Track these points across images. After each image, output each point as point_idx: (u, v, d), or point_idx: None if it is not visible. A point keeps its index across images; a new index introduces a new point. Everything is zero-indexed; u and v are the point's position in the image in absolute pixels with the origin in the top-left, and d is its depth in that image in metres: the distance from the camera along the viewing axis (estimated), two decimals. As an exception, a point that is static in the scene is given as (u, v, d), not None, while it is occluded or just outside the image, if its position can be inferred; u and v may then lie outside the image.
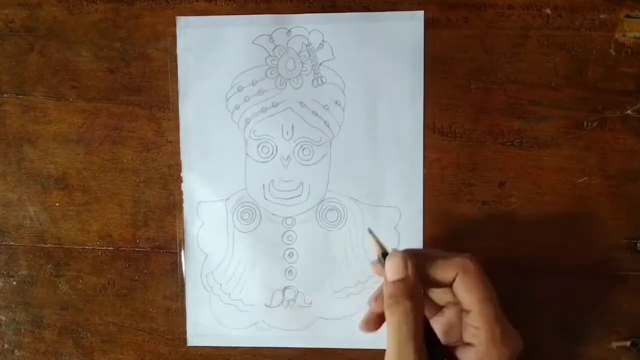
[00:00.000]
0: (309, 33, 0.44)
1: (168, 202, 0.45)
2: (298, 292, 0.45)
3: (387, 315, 0.35)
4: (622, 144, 0.42)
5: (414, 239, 0.44)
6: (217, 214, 0.45)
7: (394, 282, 0.35)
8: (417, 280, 0.35)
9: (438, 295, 0.38)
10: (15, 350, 0.48)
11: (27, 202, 0.47)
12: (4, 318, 0.48)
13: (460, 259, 0.35)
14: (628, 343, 0.43)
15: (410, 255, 0.35)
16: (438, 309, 0.39)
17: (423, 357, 0.33)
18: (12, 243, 0.47)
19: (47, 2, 0.45)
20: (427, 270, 0.35)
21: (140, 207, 0.46)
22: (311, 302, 0.45)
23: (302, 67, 0.44)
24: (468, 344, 0.35)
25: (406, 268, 0.35)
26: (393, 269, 0.35)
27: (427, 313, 0.38)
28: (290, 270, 0.45)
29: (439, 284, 0.35)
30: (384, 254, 0.36)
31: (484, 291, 0.34)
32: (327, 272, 0.45)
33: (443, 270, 0.35)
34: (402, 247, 0.43)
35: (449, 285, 0.35)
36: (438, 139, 0.43)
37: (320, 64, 0.44)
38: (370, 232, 0.37)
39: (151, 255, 0.46)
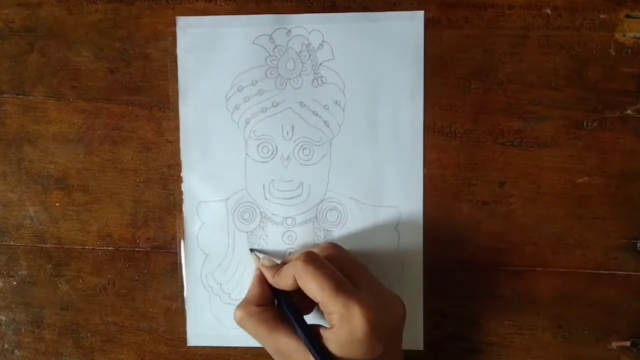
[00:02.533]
0: (309, 33, 0.44)
1: (168, 202, 0.45)
2: (298, 292, 0.45)
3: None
4: (622, 144, 0.42)
5: (414, 239, 0.44)
6: (217, 214, 0.45)
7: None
8: (266, 292, 0.40)
9: None
10: (15, 350, 0.48)
11: (27, 202, 0.47)
12: (4, 318, 0.48)
13: (293, 261, 0.38)
14: (628, 343, 0.43)
15: (266, 269, 0.41)
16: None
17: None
18: (12, 243, 0.47)
19: (47, 2, 0.45)
20: (275, 279, 0.39)
21: (140, 207, 0.46)
22: (311, 302, 0.45)
23: (302, 67, 0.44)
24: (330, 328, 0.37)
25: (259, 284, 0.41)
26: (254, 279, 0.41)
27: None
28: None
29: (290, 288, 0.38)
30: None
31: (316, 281, 0.36)
32: (327, 272, 0.44)
33: (285, 277, 0.38)
34: (401, 247, 0.44)
35: (297, 286, 0.38)
36: (438, 139, 0.43)
37: (320, 64, 0.44)
38: (252, 250, 0.44)
39: (151, 255, 0.46)
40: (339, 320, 0.35)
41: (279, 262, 0.42)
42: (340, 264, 0.38)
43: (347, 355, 0.35)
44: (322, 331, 0.37)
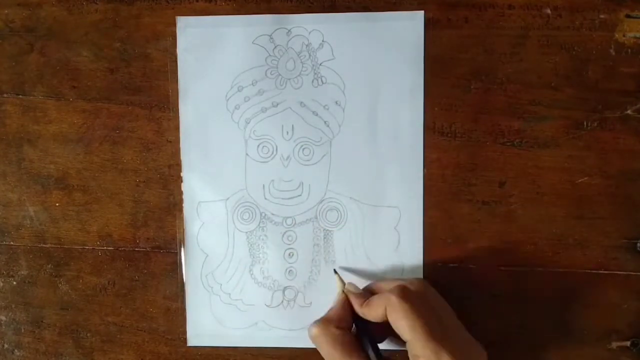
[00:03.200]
0: (309, 33, 0.44)
1: (168, 202, 0.45)
2: (298, 292, 0.45)
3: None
4: (622, 144, 0.42)
5: (414, 239, 0.44)
6: (217, 214, 0.45)
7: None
8: (347, 316, 0.40)
9: None
10: (15, 350, 0.48)
11: (27, 202, 0.47)
12: (4, 318, 0.48)
13: (386, 294, 0.37)
14: (628, 343, 0.43)
15: (353, 296, 0.40)
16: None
17: None
18: (12, 243, 0.47)
19: (47, 2, 0.45)
20: (362, 310, 0.39)
21: (140, 207, 0.46)
22: (311, 302, 0.45)
23: (302, 67, 0.44)
24: None
25: (342, 308, 0.40)
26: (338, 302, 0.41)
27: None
28: (290, 270, 0.45)
29: (378, 320, 0.38)
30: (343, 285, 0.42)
31: (408, 319, 0.36)
32: (327, 273, 0.45)
33: (375, 309, 0.38)
34: (401, 247, 0.44)
35: (386, 320, 0.37)
36: (438, 139, 0.43)
37: (320, 64, 0.44)
38: (335, 272, 0.43)
39: (151, 255, 0.46)
40: None
41: (360, 288, 0.42)
42: (428, 303, 0.38)
43: None
44: None
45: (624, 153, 0.42)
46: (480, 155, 0.43)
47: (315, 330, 0.39)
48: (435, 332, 0.35)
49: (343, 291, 0.41)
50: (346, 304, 0.40)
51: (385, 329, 0.38)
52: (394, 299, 0.36)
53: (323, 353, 0.39)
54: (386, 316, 0.37)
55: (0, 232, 0.47)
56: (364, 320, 0.39)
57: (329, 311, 0.41)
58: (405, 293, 0.37)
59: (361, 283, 0.42)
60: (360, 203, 0.44)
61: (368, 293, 0.40)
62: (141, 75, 0.45)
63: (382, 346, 0.40)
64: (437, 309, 0.38)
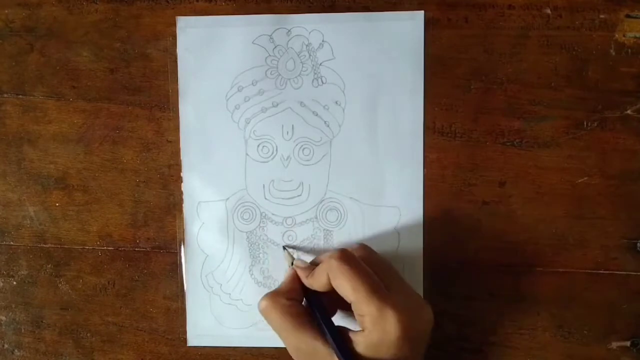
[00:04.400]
0: (309, 33, 0.44)
1: (168, 202, 0.45)
2: (298, 292, 0.45)
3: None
4: (622, 144, 0.42)
5: (414, 239, 0.44)
6: (217, 214, 0.45)
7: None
8: (297, 289, 0.40)
9: None
10: (15, 350, 0.48)
11: (27, 202, 0.47)
12: (4, 318, 0.48)
13: (326, 260, 0.37)
14: (628, 343, 0.43)
15: (300, 269, 0.40)
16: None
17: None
18: (12, 243, 0.47)
19: (47, 2, 0.45)
20: (308, 280, 0.39)
21: (140, 207, 0.46)
22: (311, 302, 0.45)
23: (302, 67, 0.44)
24: (361, 330, 0.36)
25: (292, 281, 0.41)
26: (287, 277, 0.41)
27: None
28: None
29: (324, 288, 0.38)
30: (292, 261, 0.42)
31: (350, 281, 0.36)
32: (327, 272, 0.45)
33: (319, 277, 0.38)
34: (401, 247, 0.44)
35: (332, 287, 0.38)
36: (438, 139, 0.43)
37: (320, 64, 0.44)
38: (284, 248, 0.44)
39: (151, 255, 0.46)
40: (372, 322, 0.35)
41: (308, 262, 0.42)
42: (371, 266, 0.38)
43: (375, 356, 0.35)
44: (350, 334, 0.37)
45: (624, 153, 0.42)
46: (480, 155, 0.43)
47: (264, 302, 0.39)
48: (378, 290, 0.36)
49: (292, 266, 0.41)
50: (295, 277, 0.40)
51: (334, 301, 0.38)
52: (334, 263, 0.37)
53: (274, 325, 0.39)
54: (330, 284, 0.37)
55: (0, 232, 0.47)
56: (314, 293, 0.39)
57: (279, 285, 0.41)
58: (345, 255, 0.37)
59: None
60: (360, 203, 0.44)
61: (315, 265, 0.40)
62: (141, 75, 0.45)
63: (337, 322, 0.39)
64: (380, 269, 0.38)
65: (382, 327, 0.35)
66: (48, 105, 0.46)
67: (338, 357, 0.36)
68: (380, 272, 0.38)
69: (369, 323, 0.35)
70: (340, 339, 0.36)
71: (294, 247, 0.44)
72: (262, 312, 0.39)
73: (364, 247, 0.41)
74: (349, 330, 0.37)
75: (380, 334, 0.35)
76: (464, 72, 0.43)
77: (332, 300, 0.39)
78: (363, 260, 0.38)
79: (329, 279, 0.37)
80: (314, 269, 0.39)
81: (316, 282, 0.38)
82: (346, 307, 0.38)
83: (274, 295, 0.39)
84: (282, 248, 0.44)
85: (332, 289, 0.37)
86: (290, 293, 0.40)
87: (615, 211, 0.43)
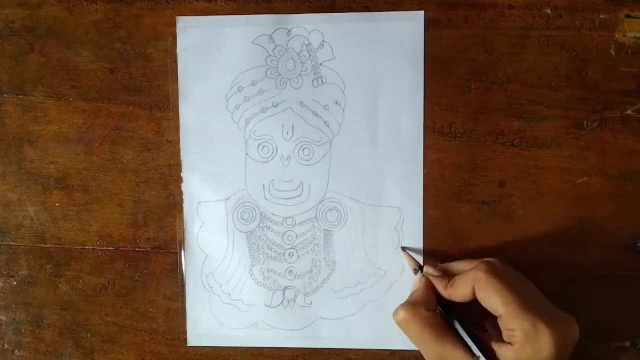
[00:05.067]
0: (309, 33, 0.44)
1: (168, 202, 0.45)
2: (298, 292, 0.45)
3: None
4: (622, 144, 0.42)
5: (414, 239, 0.44)
6: (217, 214, 0.45)
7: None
8: (432, 298, 0.40)
9: None
10: (15, 350, 0.48)
11: (27, 202, 0.47)
12: (4, 318, 0.48)
13: (472, 272, 0.37)
14: (628, 343, 0.43)
15: (435, 278, 0.40)
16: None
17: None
18: (12, 243, 0.47)
19: (47, 2, 0.45)
20: (448, 291, 0.39)
21: (140, 207, 0.46)
22: (311, 302, 0.45)
23: (302, 67, 0.44)
24: (509, 343, 0.36)
25: (427, 290, 0.40)
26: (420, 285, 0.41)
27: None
28: (290, 270, 0.45)
29: (465, 299, 0.38)
30: (419, 267, 0.42)
31: (500, 294, 0.35)
32: (327, 272, 0.45)
33: (462, 288, 0.37)
34: (404, 246, 0.44)
35: (474, 297, 0.37)
36: (438, 139, 0.43)
37: (320, 64, 0.44)
38: (404, 249, 0.43)
39: (151, 255, 0.46)
40: (524, 337, 0.34)
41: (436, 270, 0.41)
42: (515, 277, 0.37)
43: None
44: (495, 346, 0.36)
45: (624, 153, 0.42)
46: (480, 155, 0.43)
47: (403, 314, 0.38)
48: (529, 304, 0.35)
49: (422, 274, 0.41)
50: (429, 286, 0.40)
51: (469, 309, 0.38)
52: (481, 275, 0.36)
53: (412, 336, 0.38)
54: (473, 295, 0.37)
55: (0, 232, 0.47)
56: (449, 301, 0.39)
57: (413, 294, 0.40)
58: (492, 268, 0.36)
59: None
60: (360, 203, 0.44)
61: (446, 274, 0.40)
62: (141, 75, 0.45)
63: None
64: (521, 284, 0.38)
65: (535, 343, 0.34)
66: (48, 105, 0.46)
67: None
68: (524, 286, 0.37)
69: (521, 338, 0.35)
70: (488, 352, 0.36)
71: (410, 249, 0.44)
72: (401, 323, 0.39)
73: (499, 260, 0.39)
74: (494, 342, 0.36)
75: (533, 350, 0.34)
76: (464, 72, 0.43)
77: (468, 311, 0.38)
78: (505, 272, 0.37)
79: (473, 290, 0.37)
80: (448, 278, 0.39)
81: (458, 293, 0.38)
82: (483, 318, 0.38)
83: (413, 306, 0.39)
84: (401, 249, 0.44)
85: (471, 301, 0.37)
86: (428, 304, 0.39)
87: (615, 211, 0.43)
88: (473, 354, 0.36)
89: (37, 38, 0.45)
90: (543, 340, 0.34)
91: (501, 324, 0.36)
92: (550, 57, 0.42)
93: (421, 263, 0.42)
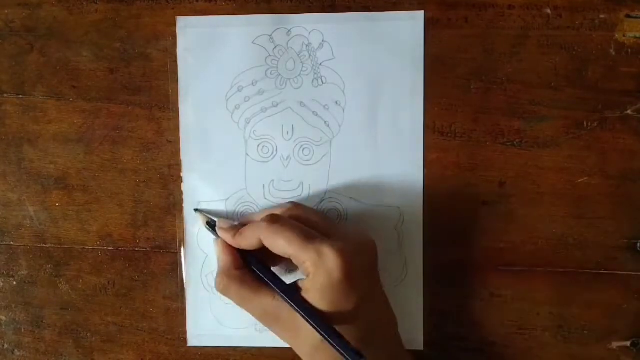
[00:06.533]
0: (309, 33, 0.44)
1: (168, 202, 0.45)
2: (298, 292, 0.45)
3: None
4: (622, 144, 0.42)
5: (414, 239, 0.44)
6: (217, 214, 0.45)
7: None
8: (236, 257, 0.40)
9: None
10: (15, 350, 0.48)
11: (27, 202, 0.47)
12: (4, 318, 0.48)
13: (257, 223, 0.38)
14: (628, 343, 0.43)
15: (223, 231, 0.41)
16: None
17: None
18: (12, 243, 0.47)
19: (47, 2, 0.45)
20: (236, 240, 0.40)
21: (140, 207, 0.46)
22: (311, 302, 0.45)
23: (302, 67, 0.44)
24: (306, 277, 0.37)
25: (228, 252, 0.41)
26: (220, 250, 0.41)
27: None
28: (290, 270, 0.45)
29: (254, 247, 0.39)
30: (210, 224, 0.43)
31: (283, 236, 0.36)
32: (327, 272, 0.44)
33: (249, 238, 0.39)
34: (401, 248, 0.44)
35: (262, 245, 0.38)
36: (438, 139, 0.43)
37: (321, 64, 0.44)
38: (197, 210, 0.45)
39: (151, 255, 0.46)
40: (314, 266, 0.36)
41: (235, 223, 0.42)
42: (305, 221, 0.39)
43: (330, 302, 0.36)
44: (299, 283, 0.37)
45: (624, 153, 0.42)
46: (480, 155, 0.43)
47: (222, 282, 0.39)
48: (312, 235, 0.37)
49: (216, 238, 0.42)
50: (227, 247, 0.41)
51: (270, 258, 0.39)
52: (264, 225, 0.37)
53: (236, 300, 0.39)
54: (260, 244, 0.38)
55: (0, 232, 0.47)
56: (251, 253, 0.40)
57: (219, 260, 0.41)
58: (274, 218, 0.38)
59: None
60: (360, 203, 0.44)
61: (241, 226, 0.41)
62: (141, 75, 0.45)
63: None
64: (316, 221, 0.39)
65: (324, 267, 0.35)
66: (48, 105, 0.46)
67: (294, 308, 0.36)
68: (315, 224, 0.39)
69: (311, 267, 0.36)
70: (292, 291, 0.37)
71: (204, 211, 0.44)
72: (223, 291, 0.40)
73: (294, 204, 0.41)
74: (299, 280, 0.38)
75: (325, 274, 0.35)
76: (464, 72, 0.43)
77: (268, 257, 0.40)
78: (295, 218, 0.39)
79: (259, 240, 0.38)
80: (238, 229, 0.40)
81: (245, 242, 0.39)
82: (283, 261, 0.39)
83: (224, 271, 0.40)
84: (194, 211, 0.45)
85: (261, 246, 0.38)
86: (235, 263, 0.40)
87: (615, 211, 0.43)
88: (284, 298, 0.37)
89: (37, 38, 0.45)
90: (330, 262, 0.35)
91: (296, 264, 0.37)
92: (550, 57, 0.42)
93: (221, 220, 0.43)
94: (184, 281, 0.46)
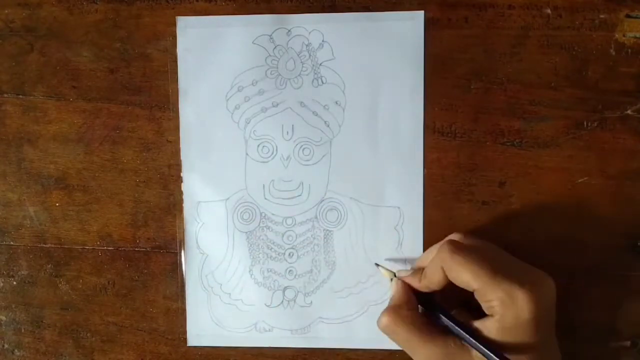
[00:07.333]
0: (309, 33, 0.44)
1: (168, 202, 0.45)
2: (298, 292, 0.45)
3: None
4: (622, 144, 0.42)
5: (414, 239, 0.44)
6: (217, 214, 0.45)
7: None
8: (411, 298, 0.39)
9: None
10: (15, 350, 0.48)
11: (27, 202, 0.47)
12: (4, 318, 0.48)
13: (438, 255, 0.36)
14: (628, 343, 0.43)
15: (408, 277, 0.40)
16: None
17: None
18: (12, 243, 0.47)
19: (47, 2, 0.45)
20: (422, 283, 0.38)
21: (140, 207, 0.46)
22: (311, 302, 0.45)
23: (302, 67, 0.44)
24: (491, 316, 0.35)
25: (404, 292, 0.39)
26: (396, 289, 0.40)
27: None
28: (290, 270, 0.45)
29: (441, 285, 0.37)
30: (393, 275, 0.42)
31: (468, 269, 0.35)
32: (327, 272, 0.45)
33: (433, 275, 0.37)
34: (401, 248, 0.44)
35: (448, 280, 0.37)
36: (438, 139, 0.43)
37: (320, 64, 0.44)
38: (378, 265, 0.43)
39: (151, 255, 0.46)
40: (502, 305, 0.34)
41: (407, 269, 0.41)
42: (480, 248, 0.37)
43: (511, 341, 0.34)
44: (477, 324, 0.36)
45: (624, 153, 0.42)
46: (480, 155, 0.43)
47: (385, 319, 0.38)
48: (500, 271, 0.35)
49: (396, 277, 0.40)
50: (405, 287, 0.39)
51: (449, 300, 0.38)
52: (446, 256, 0.35)
53: (400, 340, 0.38)
54: (447, 279, 0.36)
55: (0, 232, 0.47)
56: (428, 298, 0.38)
57: (391, 299, 0.39)
58: (455, 246, 0.36)
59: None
60: (360, 203, 0.44)
61: (419, 270, 0.39)
62: (141, 75, 0.45)
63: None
64: (490, 252, 0.38)
65: (514, 307, 0.34)
66: (48, 105, 0.46)
67: (481, 351, 0.34)
68: (491, 254, 0.37)
69: (499, 307, 0.34)
70: (474, 334, 0.35)
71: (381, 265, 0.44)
72: (386, 328, 0.38)
73: (465, 234, 0.39)
74: (475, 321, 0.36)
75: (514, 314, 0.34)
76: (464, 72, 0.43)
77: (447, 299, 0.38)
78: (468, 245, 0.37)
79: (444, 273, 0.36)
80: (420, 272, 0.39)
81: (431, 281, 0.37)
82: (462, 302, 0.37)
83: (394, 309, 0.38)
84: (375, 265, 0.44)
85: (447, 286, 0.37)
86: (409, 304, 0.38)
87: (615, 211, 0.43)
88: (462, 341, 0.36)
89: (37, 38, 0.45)
90: (521, 303, 0.34)
91: (478, 299, 0.36)
92: (550, 57, 0.42)
93: (401, 270, 0.42)
94: (184, 281, 0.46)
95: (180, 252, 0.45)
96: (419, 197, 0.44)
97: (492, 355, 0.34)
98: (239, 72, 0.44)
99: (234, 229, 0.45)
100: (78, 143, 0.46)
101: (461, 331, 0.36)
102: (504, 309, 0.34)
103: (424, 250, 0.44)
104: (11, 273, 0.47)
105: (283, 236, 0.45)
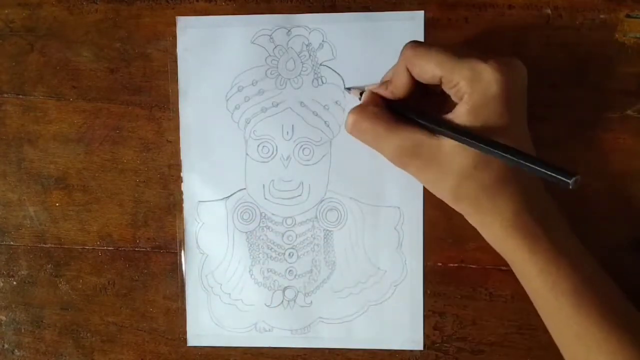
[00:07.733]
0: (309, 33, 0.44)
1: (168, 202, 0.45)
2: (298, 292, 0.45)
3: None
4: (622, 144, 0.42)
5: (414, 239, 0.44)
6: (217, 214, 0.45)
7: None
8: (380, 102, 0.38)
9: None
10: (15, 350, 0.48)
11: (27, 202, 0.47)
12: (4, 318, 0.48)
13: (400, 59, 0.36)
14: (628, 343, 0.43)
15: (376, 87, 0.39)
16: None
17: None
18: (12, 243, 0.47)
19: (47, 2, 0.45)
20: (389, 89, 0.38)
21: (140, 207, 0.46)
22: (311, 302, 0.45)
23: (302, 67, 0.44)
24: (459, 102, 0.35)
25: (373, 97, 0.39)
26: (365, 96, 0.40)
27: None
28: (290, 270, 0.45)
29: (409, 84, 0.37)
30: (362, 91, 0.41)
31: (431, 57, 0.35)
32: (327, 272, 0.45)
33: (399, 76, 0.37)
34: (401, 248, 0.44)
35: (414, 82, 0.36)
36: (438, 139, 0.43)
37: (321, 64, 0.44)
38: (347, 89, 0.43)
39: (151, 255, 0.46)
40: (468, 83, 0.33)
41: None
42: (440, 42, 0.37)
43: (483, 122, 0.34)
44: (447, 116, 0.35)
45: (624, 153, 0.42)
46: (480, 155, 0.43)
47: (351, 117, 0.37)
48: (464, 52, 0.34)
49: (366, 90, 0.40)
50: (373, 93, 0.39)
51: (419, 102, 0.37)
52: (408, 52, 0.35)
53: (367, 137, 0.37)
54: (413, 80, 0.36)
55: (0, 232, 0.47)
56: (400, 105, 0.38)
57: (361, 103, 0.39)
58: (416, 43, 0.36)
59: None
60: (360, 203, 0.44)
61: (386, 82, 0.39)
62: (141, 75, 0.45)
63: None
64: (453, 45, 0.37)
65: (480, 83, 0.33)
66: (48, 105, 0.46)
67: (444, 133, 0.33)
68: (453, 47, 0.36)
69: (467, 85, 0.34)
70: (441, 119, 0.35)
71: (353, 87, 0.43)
72: (352, 127, 0.38)
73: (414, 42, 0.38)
74: (445, 112, 0.35)
75: (481, 90, 0.33)
76: (464, 72, 0.43)
77: (416, 102, 0.37)
78: (429, 42, 0.37)
79: (408, 73, 0.36)
80: (387, 81, 0.38)
81: (396, 85, 0.37)
82: (430, 104, 0.37)
83: (361, 107, 0.38)
84: (346, 90, 0.43)
85: (413, 89, 0.36)
86: (374, 102, 0.38)
87: (615, 211, 0.43)
88: (431, 131, 0.35)
89: (37, 38, 0.45)
90: (487, 76, 0.33)
91: (446, 88, 0.35)
92: (550, 57, 0.42)
93: (370, 85, 0.41)
94: (184, 281, 0.46)
95: (180, 252, 0.45)
96: (418, 197, 0.44)
97: (463, 138, 0.33)
98: (239, 72, 0.44)
99: (234, 229, 0.45)
100: (78, 143, 0.46)
101: (432, 120, 0.35)
102: (471, 86, 0.34)
103: (424, 250, 0.44)
104: (11, 273, 0.47)
105: (283, 236, 0.45)
